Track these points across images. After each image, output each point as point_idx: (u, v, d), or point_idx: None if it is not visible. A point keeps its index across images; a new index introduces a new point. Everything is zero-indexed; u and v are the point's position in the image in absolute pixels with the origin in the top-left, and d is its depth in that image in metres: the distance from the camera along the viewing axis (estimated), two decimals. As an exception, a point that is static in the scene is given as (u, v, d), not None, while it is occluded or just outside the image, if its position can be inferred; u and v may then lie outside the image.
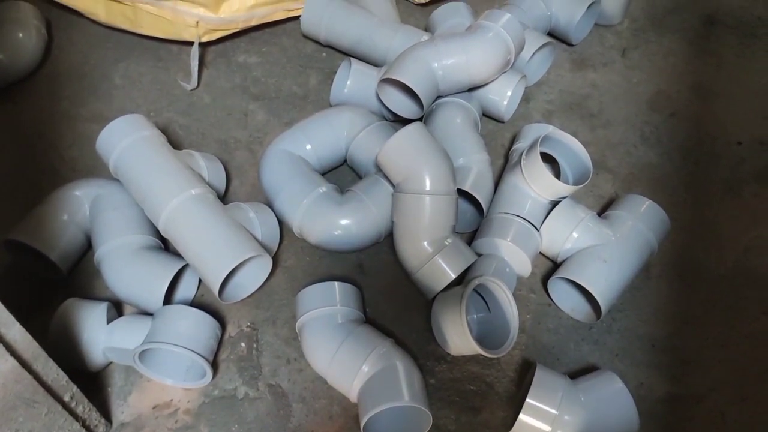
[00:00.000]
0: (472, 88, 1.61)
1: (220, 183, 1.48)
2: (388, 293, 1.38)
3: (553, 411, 1.11)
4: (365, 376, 1.14)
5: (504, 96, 1.63)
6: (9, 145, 1.60)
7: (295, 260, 1.43)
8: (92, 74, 1.77)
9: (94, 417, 1.14)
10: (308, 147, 1.47)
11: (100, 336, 1.21)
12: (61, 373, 1.02)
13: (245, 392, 1.25)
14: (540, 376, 1.15)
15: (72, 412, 1.06)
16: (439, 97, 1.57)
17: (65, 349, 1.19)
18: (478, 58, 1.50)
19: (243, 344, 1.31)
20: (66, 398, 1.04)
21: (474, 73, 1.51)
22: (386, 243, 1.44)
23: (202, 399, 1.24)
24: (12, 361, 0.89)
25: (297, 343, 1.29)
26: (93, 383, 1.24)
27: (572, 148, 1.41)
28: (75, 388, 1.07)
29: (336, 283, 1.26)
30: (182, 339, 1.18)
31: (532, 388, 1.13)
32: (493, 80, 1.59)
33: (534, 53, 1.69)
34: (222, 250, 1.24)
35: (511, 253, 1.33)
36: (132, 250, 1.31)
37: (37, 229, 1.32)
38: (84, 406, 1.10)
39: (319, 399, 1.23)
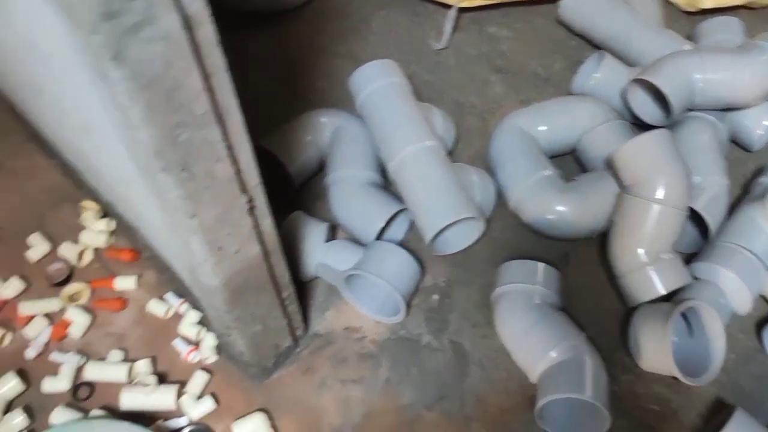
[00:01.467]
0: (727, 109, 1.51)
1: (449, 141, 1.53)
2: (586, 290, 1.37)
3: (744, 459, 1.05)
4: (551, 361, 1.15)
5: (759, 124, 1.52)
6: (273, 65, 1.77)
7: (502, 233, 1.45)
8: (353, 16, 1.90)
9: (297, 320, 1.26)
10: (542, 128, 1.48)
11: (317, 251, 1.32)
12: (287, 271, 1.13)
13: (429, 341, 1.30)
14: (738, 419, 1.08)
15: (284, 309, 1.18)
16: (689, 110, 1.49)
17: (286, 255, 1.31)
18: (747, 78, 1.41)
19: (435, 297, 1.37)
20: (284, 295, 1.16)
21: (737, 93, 1.42)
22: (596, 240, 1.42)
23: (388, 335, 1.32)
24: (258, 249, 1.00)
25: (486, 310, 1.32)
26: (299, 291, 1.36)
27: (830, 195, 1.29)
28: (292, 288, 1.18)
29: (541, 263, 1.27)
30: (387, 274, 1.25)
31: (728, 430, 1.06)
32: (754, 105, 1.49)
33: (808, 86, 1.54)
34: (444, 203, 1.29)
35: (732, 286, 1.25)
36: (360, 182, 1.40)
37: (284, 143, 1.46)
38: (294, 307, 1.22)
39: (499, 370, 1.26)
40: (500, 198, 1.47)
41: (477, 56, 1.80)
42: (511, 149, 1.45)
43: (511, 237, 1.45)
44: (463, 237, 1.39)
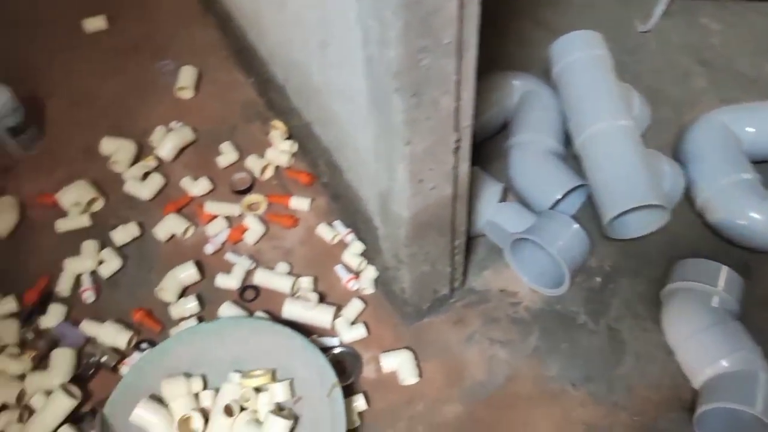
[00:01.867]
0: None
1: (643, 126, 1.47)
2: (763, 304, 1.28)
3: None
4: (721, 369, 1.09)
5: None
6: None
7: (681, 230, 1.38)
8: (556, -15, 1.85)
9: (459, 271, 1.27)
10: (750, 129, 1.38)
11: (488, 209, 1.32)
12: (465, 221, 1.14)
13: (585, 321, 1.28)
14: None
15: (452, 257, 1.19)
16: None
17: (459, 205, 1.32)
18: None
19: (598, 279, 1.33)
20: (456, 242, 1.17)
21: None
22: (784, 257, 1.33)
23: (542, 305, 1.30)
24: (451, 190, 1.01)
25: (650, 303, 1.28)
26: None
27: None
28: (464, 238, 1.19)
29: (725, 266, 1.20)
30: (558, 245, 1.23)
31: None
32: None
33: None
34: (632, 185, 1.25)
35: None
36: (543, 150, 1.38)
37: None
38: (460, 258, 1.23)
39: (654, 364, 1.21)
40: (686, 193, 1.39)
41: (682, 45, 1.71)
42: (710, 145, 1.37)
43: (690, 235, 1.38)
44: (641, 225, 1.34)
